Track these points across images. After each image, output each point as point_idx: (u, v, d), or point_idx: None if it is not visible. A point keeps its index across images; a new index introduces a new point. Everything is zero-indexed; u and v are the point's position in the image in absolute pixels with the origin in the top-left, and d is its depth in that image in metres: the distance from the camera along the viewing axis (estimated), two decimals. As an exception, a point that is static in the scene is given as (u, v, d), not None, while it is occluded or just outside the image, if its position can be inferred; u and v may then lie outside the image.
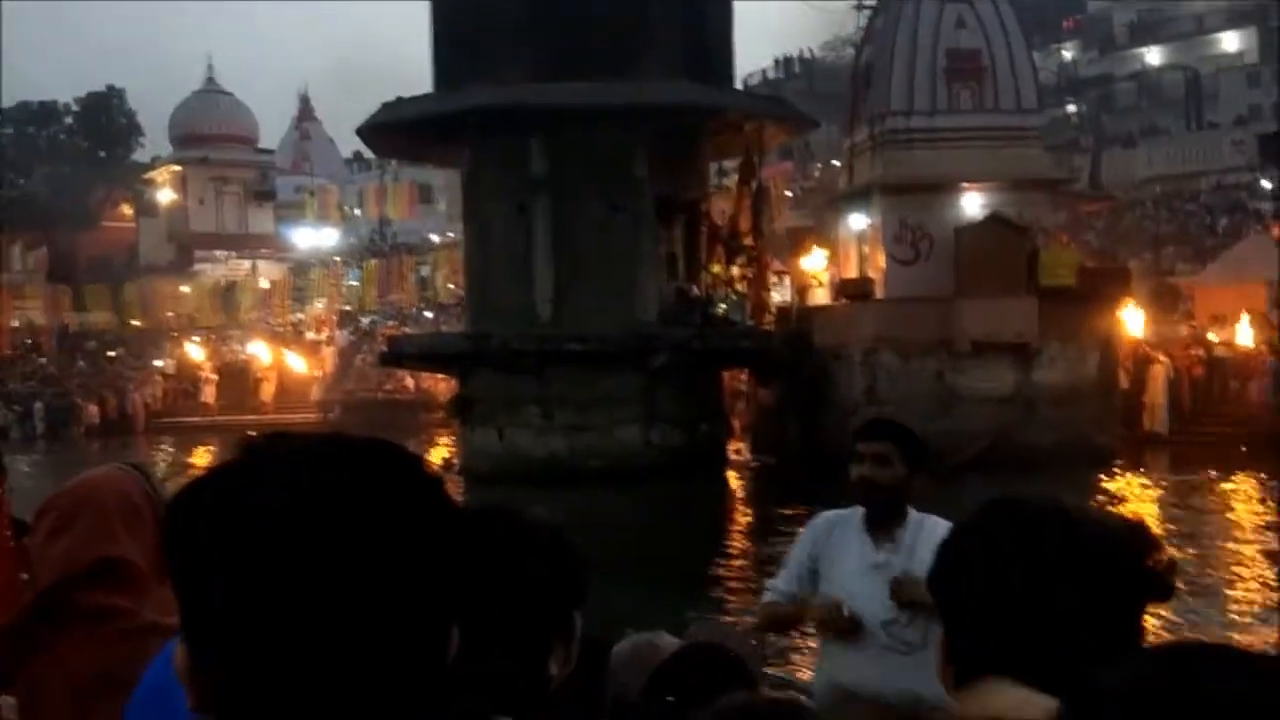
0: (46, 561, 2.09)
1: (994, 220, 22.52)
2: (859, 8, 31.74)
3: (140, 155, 58.98)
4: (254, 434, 0.93)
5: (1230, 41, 55.99)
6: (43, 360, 43.01)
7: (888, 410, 21.30)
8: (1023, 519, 1.26)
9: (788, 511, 15.22)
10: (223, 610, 0.85)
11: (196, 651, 0.88)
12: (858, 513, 3.63)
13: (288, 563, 0.84)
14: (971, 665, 1.22)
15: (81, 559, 2.02)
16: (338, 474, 0.87)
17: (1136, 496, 18.60)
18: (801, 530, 3.86)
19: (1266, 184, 36.36)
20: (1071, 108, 53.73)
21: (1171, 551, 1.27)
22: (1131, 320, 24.71)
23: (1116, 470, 20.57)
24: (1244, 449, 21.18)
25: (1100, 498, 16.99)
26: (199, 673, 0.88)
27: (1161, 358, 24.53)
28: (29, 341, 45.89)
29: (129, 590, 2.00)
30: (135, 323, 47.45)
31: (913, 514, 3.56)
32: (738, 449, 24.19)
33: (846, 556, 3.60)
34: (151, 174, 56.45)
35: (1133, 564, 1.22)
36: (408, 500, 0.88)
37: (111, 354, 43.51)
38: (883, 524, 3.54)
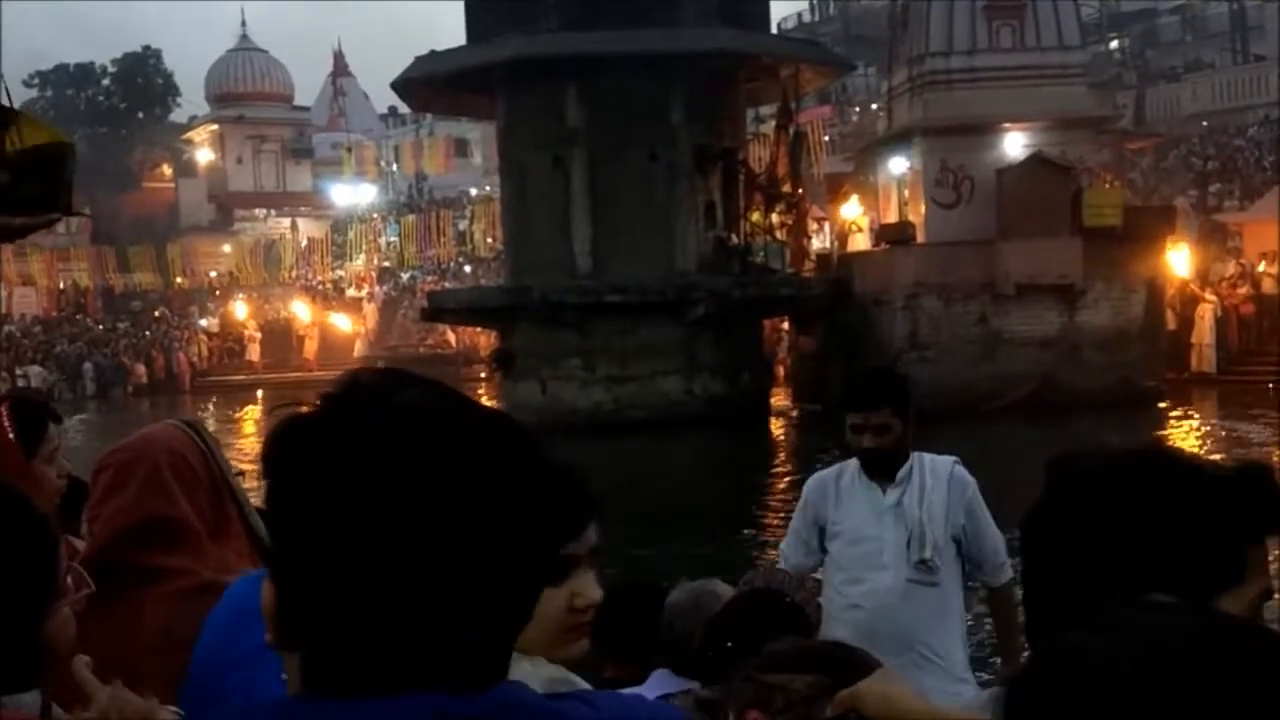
0: (101, 520, 2.10)
1: (1036, 160, 22.21)
2: (896, -53, 31.18)
3: (178, 115, 59.26)
4: (357, 371, 0.94)
5: (1278, -29, 54.58)
6: (90, 322, 43.57)
7: (929, 355, 21.21)
8: (1125, 463, 1.22)
9: (830, 459, 15.21)
10: (315, 546, 0.86)
11: (284, 586, 0.89)
12: (853, 463, 3.72)
13: (382, 505, 0.85)
14: (1059, 610, 1.18)
15: (135, 518, 2.03)
16: (437, 424, 0.88)
17: (1184, 438, 18.41)
18: (800, 496, 3.91)
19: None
20: (1114, 43, 52.71)
21: None
22: (1178, 259, 24.36)
23: (1162, 411, 20.36)
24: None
25: (1149, 440, 16.82)
26: (283, 607, 0.89)
27: (1209, 297, 24.19)
28: (76, 303, 46.49)
29: (184, 549, 2.01)
30: (179, 282, 47.92)
31: (913, 455, 3.65)
32: (780, 397, 24.16)
33: (855, 506, 3.67)
34: (190, 134, 56.70)
35: (1243, 499, 1.19)
36: (503, 460, 0.89)
37: (156, 314, 44.01)
38: (886, 473, 3.64)
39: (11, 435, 2.46)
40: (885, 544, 3.59)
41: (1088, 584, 1.17)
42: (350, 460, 0.86)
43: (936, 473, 3.62)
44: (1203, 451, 16.84)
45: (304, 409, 0.92)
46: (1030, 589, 1.23)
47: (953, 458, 3.68)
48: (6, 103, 1.77)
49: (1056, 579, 1.20)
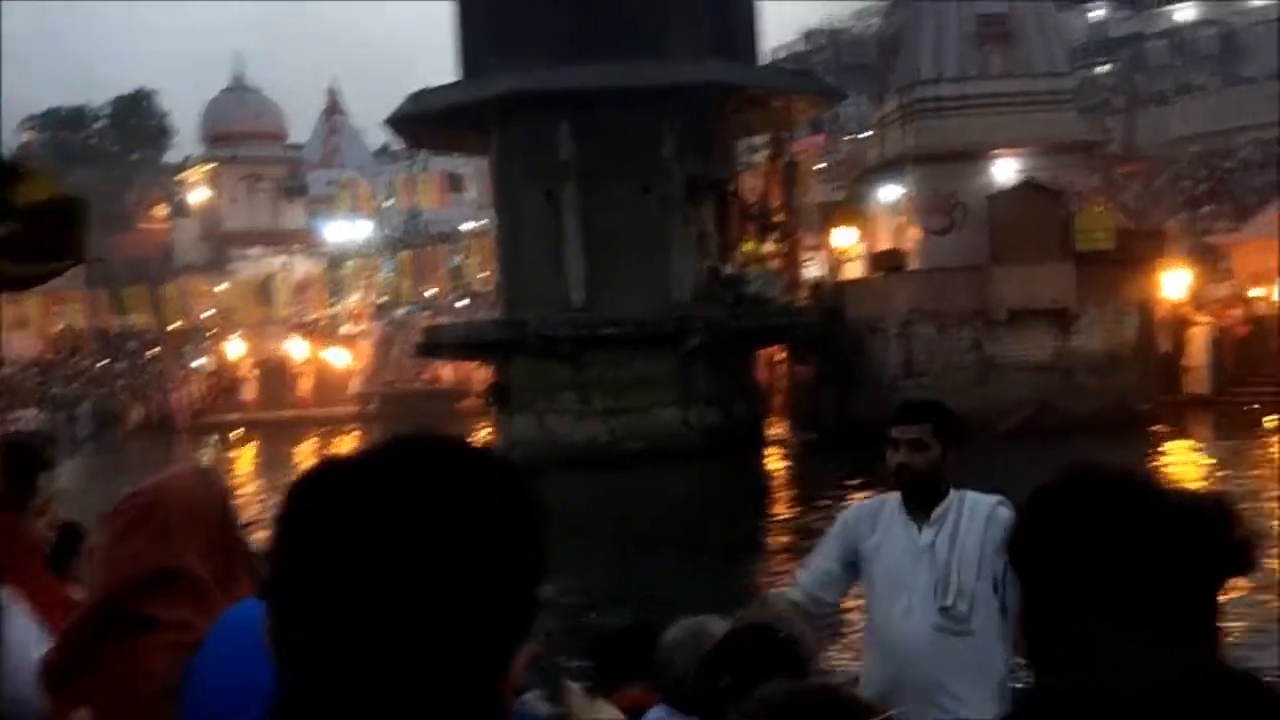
0: (111, 566, 2.10)
1: (1028, 186, 22.32)
2: (883, -23, 31.47)
3: (172, 156, 59.51)
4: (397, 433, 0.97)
5: (1263, -6, 55.08)
6: (86, 363, 43.55)
7: (924, 383, 21.23)
8: (1104, 487, 1.23)
9: (827, 487, 15.20)
10: (312, 586, 0.89)
11: (279, 620, 0.91)
12: (894, 497, 3.55)
13: (381, 556, 0.87)
14: (1048, 637, 1.19)
15: (143, 567, 2.02)
16: (438, 483, 0.90)
17: (1182, 462, 18.40)
18: (833, 526, 3.74)
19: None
20: (1103, 68, 53.07)
21: (1253, 525, 1.24)
22: (1170, 282, 24.43)
23: (1158, 435, 20.35)
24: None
25: (1146, 465, 16.83)
26: (277, 638, 0.91)
27: (1202, 319, 24.24)
28: (71, 345, 46.47)
29: (189, 601, 2.00)
30: (174, 323, 47.93)
31: (952, 491, 3.47)
32: (776, 426, 24.15)
33: (892, 543, 3.51)
34: (184, 174, 56.91)
35: (1216, 535, 1.19)
36: (498, 515, 0.90)
37: (151, 354, 43.98)
38: (923, 505, 3.46)
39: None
40: (915, 588, 3.42)
41: (1060, 612, 1.18)
42: (351, 508, 0.89)
43: (975, 512, 3.42)
44: (1196, 474, 16.85)
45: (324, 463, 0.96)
46: (1022, 614, 1.24)
47: (996, 497, 3.44)
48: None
49: (1034, 606, 1.21)
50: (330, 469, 0.93)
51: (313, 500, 0.91)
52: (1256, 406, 21.76)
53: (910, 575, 3.43)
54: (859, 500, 3.70)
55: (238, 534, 2.12)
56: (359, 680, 0.87)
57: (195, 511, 2.07)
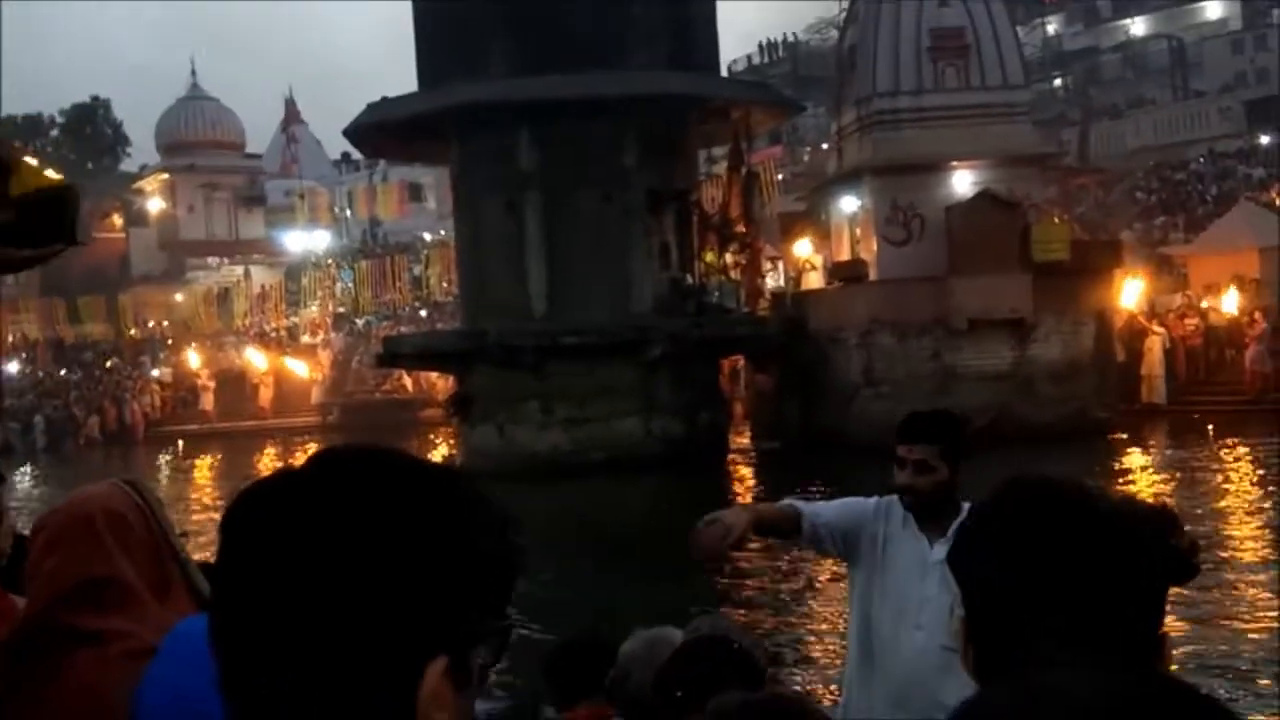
0: (37, 582, 2.05)
1: (984, 197, 22.53)
2: (842, -10, 31.69)
3: (128, 165, 58.88)
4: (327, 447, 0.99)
5: (1214, 9, 55.96)
6: (42, 374, 42.97)
7: (885, 391, 21.36)
8: (1043, 499, 1.24)
9: (791, 496, 15.22)
10: (230, 599, 0.91)
11: (213, 635, 0.93)
12: (897, 504, 3.48)
13: (295, 572, 0.88)
14: (993, 648, 1.20)
15: (71, 579, 1.97)
16: (351, 498, 0.91)
17: (1139, 470, 18.62)
18: (844, 499, 3.63)
19: (1266, 140, 36.47)
20: (1058, 82, 53.68)
21: (1192, 531, 1.26)
22: (1126, 292, 24.73)
23: (1116, 443, 20.60)
24: (1243, 415, 21.25)
25: (1103, 473, 17.02)
26: (223, 663, 0.92)
27: (1157, 329, 24.56)
28: (24, 355, 45.85)
29: (123, 611, 1.96)
30: (131, 333, 47.40)
31: (965, 505, 3.25)
32: (738, 435, 24.21)
33: (902, 554, 3.44)
34: (140, 183, 56.32)
35: (1157, 545, 1.20)
36: (422, 529, 0.91)
37: (108, 365, 43.49)
38: (933, 520, 3.38)
39: None
40: (925, 603, 3.33)
41: (1004, 625, 1.19)
42: (287, 523, 0.90)
43: None
44: (1150, 483, 17.05)
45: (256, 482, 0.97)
46: (966, 627, 1.25)
47: None
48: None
49: (978, 619, 1.22)
50: (259, 484, 0.95)
51: (238, 514, 0.93)
52: (1196, 416, 22.19)
53: (920, 590, 3.36)
54: (880, 499, 3.55)
55: (172, 544, 2.08)
56: (273, 691, 0.89)
57: (125, 521, 2.02)
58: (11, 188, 1.73)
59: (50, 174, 1.78)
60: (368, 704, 0.88)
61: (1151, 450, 20.76)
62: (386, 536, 0.89)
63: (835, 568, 11.41)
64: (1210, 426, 21.22)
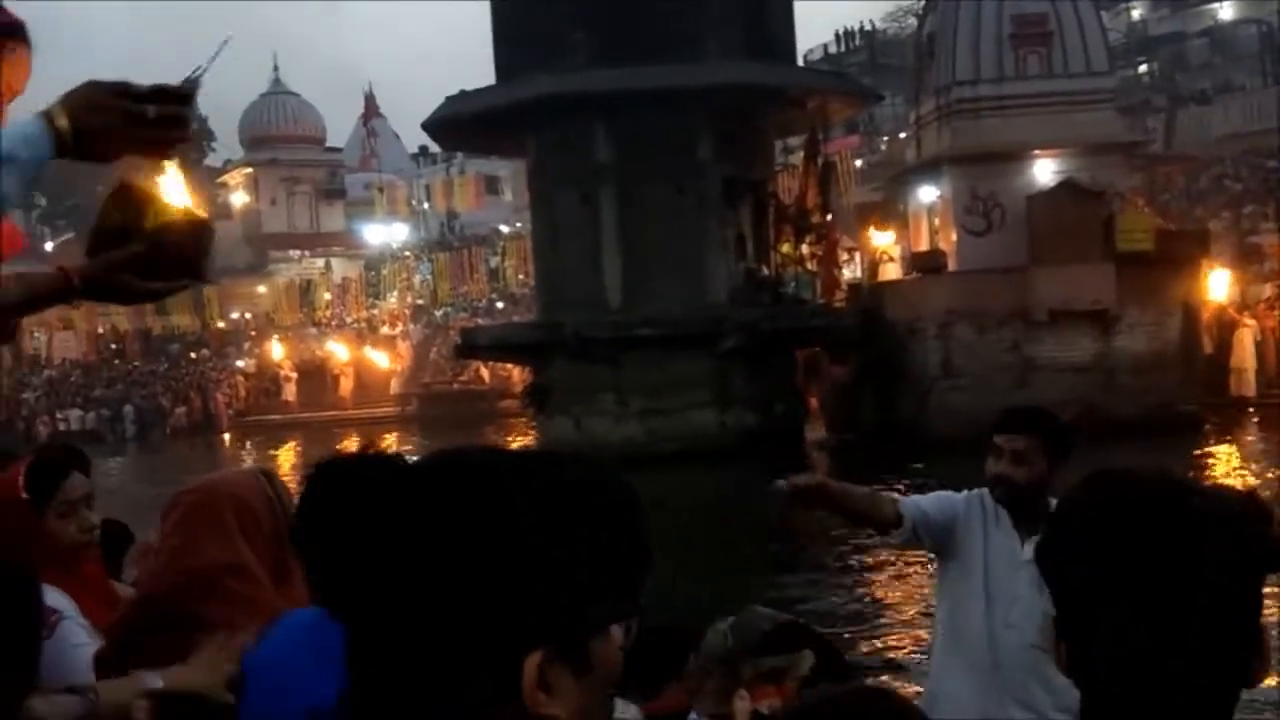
0: (161, 557, 2.13)
1: (1066, 186, 22.14)
2: (920, -23, 31.31)
3: (212, 159, 60.00)
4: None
5: (1307, -9, 54.37)
6: (132, 365, 44.04)
7: (963, 384, 21.10)
8: (1130, 492, 1.22)
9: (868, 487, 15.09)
10: (329, 579, 0.95)
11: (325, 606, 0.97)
12: (989, 499, 3.44)
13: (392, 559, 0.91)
14: (1084, 644, 1.18)
15: (194, 562, 2.05)
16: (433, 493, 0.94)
17: (1227, 463, 18.20)
18: (938, 492, 3.59)
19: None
20: (1143, 68, 52.54)
21: None
22: (1214, 283, 24.17)
23: (1203, 437, 20.15)
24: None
25: (1190, 466, 16.66)
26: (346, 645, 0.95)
27: (1247, 320, 23.98)
28: (114, 346, 47.01)
29: (243, 600, 2.03)
30: (216, 324, 48.39)
31: (1054, 503, 3.28)
32: (814, 427, 24.07)
33: (997, 549, 3.38)
34: (224, 177, 57.41)
35: (1248, 535, 1.18)
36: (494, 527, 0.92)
37: (194, 356, 44.43)
38: (1024, 517, 3.32)
39: (23, 495, 2.51)
40: (1016, 601, 3.29)
41: (1095, 622, 1.17)
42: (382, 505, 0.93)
43: None
44: (1241, 477, 16.65)
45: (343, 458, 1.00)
46: (1057, 624, 1.23)
47: None
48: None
49: (1069, 615, 1.20)
50: (361, 477, 0.99)
51: (348, 501, 0.96)
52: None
53: (1012, 587, 3.31)
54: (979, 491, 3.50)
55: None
56: (381, 684, 0.91)
57: (251, 508, 2.10)
58: (149, 219, 1.81)
59: (189, 207, 1.86)
60: (470, 693, 0.90)
61: (1241, 443, 20.27)
62: (473, 534, 0.90)
63: (905, 557, 11.32)
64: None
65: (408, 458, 1.02)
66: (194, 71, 1.78)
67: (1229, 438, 20.53)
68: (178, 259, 1.86)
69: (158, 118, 1.72)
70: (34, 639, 1.66)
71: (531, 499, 0.92)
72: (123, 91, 1.71)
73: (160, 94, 1.73)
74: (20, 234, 2.04)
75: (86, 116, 1.69)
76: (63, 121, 1.67)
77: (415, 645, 0.89)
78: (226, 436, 36.13)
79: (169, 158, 1.85)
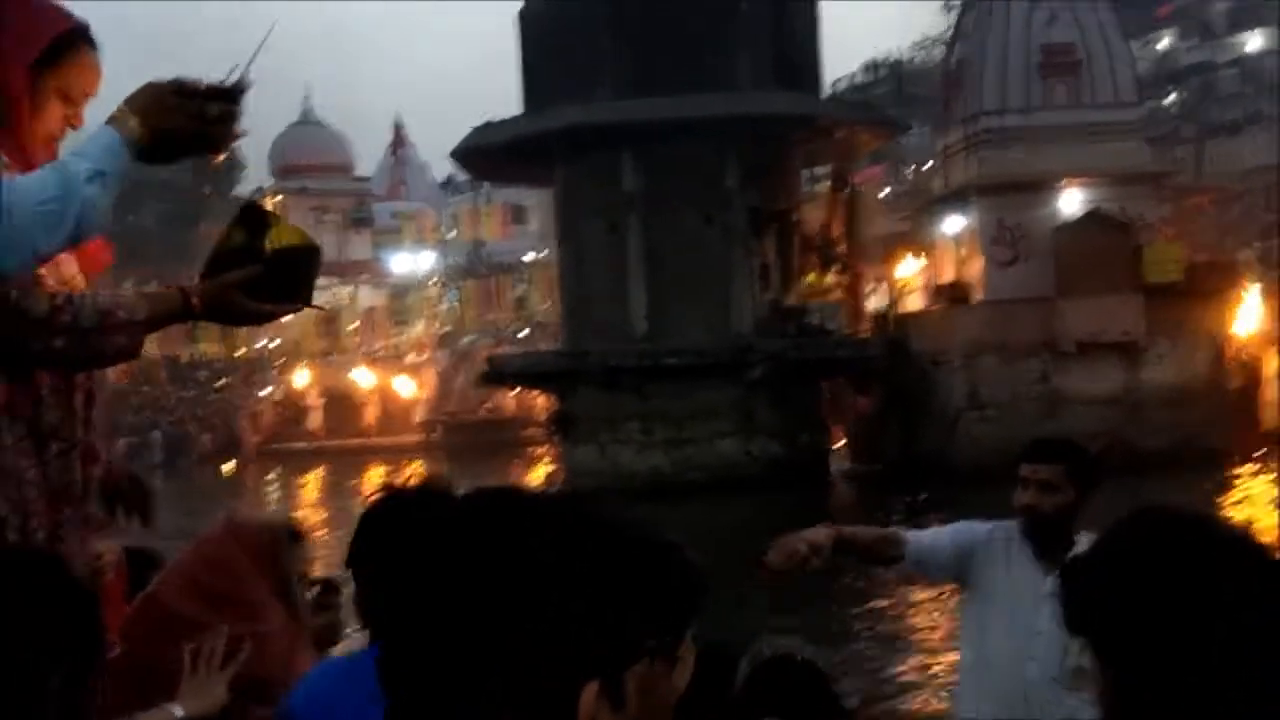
0: (191, 587, 2.14)
1: (1094, 217, 22.06)
2: (947, 7, 31.37)
3: (242, 188, 60.57)
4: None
5: (1337, 22, 54.13)
6: (164, 391, 44.32)
7: (990, 415, 20.97)
8: (1166, 529, 1.20)
9: (892, 519, 15.03)
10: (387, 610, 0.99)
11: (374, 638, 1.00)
12: (1013, 529, 3.39)
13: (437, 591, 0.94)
14: (1129, 689, 1.16)
15: (219, 591, 2.08)
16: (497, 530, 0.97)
17: (1258, 499, 17.98)
18: (954, 524, 3.53)
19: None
20: (1171, 98, 52.38)
21: None
22: (1244, 314, 23.97)
23: (1233, 471, 19.92)
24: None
25: (1221, 503, 16.49)
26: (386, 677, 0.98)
27: (1276, 353, 23.73)
28: (143, 372, 47.33)
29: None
30: (242, 352, 48.68)
31: (1081, 537, 3.20)
32: (839, 458, 23.98)
33: (1020, 581, 3.34)
34: (254, 206, 57.84)
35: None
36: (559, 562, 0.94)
37: (221, 383, 44.69)
38: (1050, 549, 3.26)
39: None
40: (1038, 636, 3.25)
41: (1146, 675, 1.14)
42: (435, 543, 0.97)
43: None
44: (1273, 511, 16.44)
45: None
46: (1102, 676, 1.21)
47: None
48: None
49: (1113, 669, 1.18)
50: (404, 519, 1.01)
51: (391, 537, 0.98)
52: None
53: (1034, 621, 3.27)
54: (996, 523, 3.47)
55: (291, 586, 2.17)
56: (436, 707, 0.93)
57: (272, 552, 2.14)
58: (270, 241, 1.86)
59: (304, 231, 1.91)
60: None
61: (1269, 479, 20.03)
62: (529, 572, 0.93)
63: (925, 591, 11.23)
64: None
65: (461, 492, 1.00)
66: (238, 68, 1.80)
67: (1262, 472, 20.28)
68: (288, 282, 1.91)
69: (218, 116, 1.74)
70: (101, 654, 1.67)
71: (571, 544, 0.95)
72: (182, 91, 1.72)
73: (215, 92, 1.74)
74: (108, 250, 2.07)
75: (158, 119, 1.70)
76: (136, 127, 1.68)
77: (460, 671, 0.91)
78: (252, 464, 36.26)
79: (222, 155, 1.87)
